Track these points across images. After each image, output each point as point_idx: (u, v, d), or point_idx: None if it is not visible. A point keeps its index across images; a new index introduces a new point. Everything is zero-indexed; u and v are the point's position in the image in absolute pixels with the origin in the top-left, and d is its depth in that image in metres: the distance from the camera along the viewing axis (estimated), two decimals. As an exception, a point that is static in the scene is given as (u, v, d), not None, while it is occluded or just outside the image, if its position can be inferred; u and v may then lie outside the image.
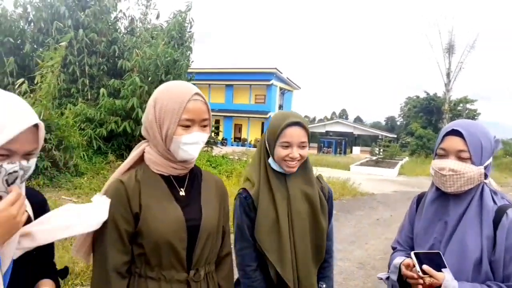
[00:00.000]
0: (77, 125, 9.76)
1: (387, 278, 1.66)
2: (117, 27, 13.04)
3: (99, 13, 11.60)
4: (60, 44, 9.16)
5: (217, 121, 36.80)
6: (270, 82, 34.82)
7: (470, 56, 35.74)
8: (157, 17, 13.53)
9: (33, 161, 1.10)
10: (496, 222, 1.41)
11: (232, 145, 34.44)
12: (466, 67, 36.11)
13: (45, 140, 7.84)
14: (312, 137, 47.08)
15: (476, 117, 44.50)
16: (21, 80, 8.16)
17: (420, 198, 1.71)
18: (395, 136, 43.95)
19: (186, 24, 13.23)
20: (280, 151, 1.68)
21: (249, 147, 31.16)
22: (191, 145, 1.36)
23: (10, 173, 1.03)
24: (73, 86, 11.42)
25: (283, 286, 1.71)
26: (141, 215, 1.33)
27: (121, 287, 1.32)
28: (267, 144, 1.75)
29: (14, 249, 1.07)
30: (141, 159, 1.45)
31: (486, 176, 1.47)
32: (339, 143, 41.94)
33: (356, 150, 41.80)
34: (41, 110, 7.89)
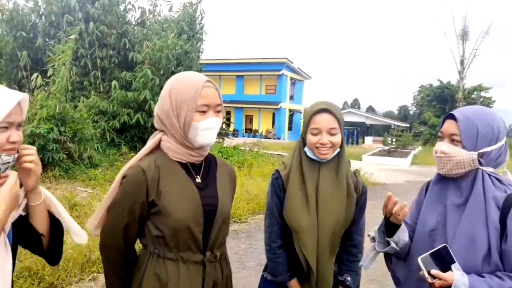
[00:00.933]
0: (91, 117, 9.89)
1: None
2: (127, 19, 13.09)
3: (108, 5, 11.65)
4: (70, 37, 9.27)
5: (228, 113, 36.88)
6: (281, 72, 34.68)
7: (485, 43, 35.05)
8: (170, 9, 13.54)
9: (21, 133, 1.22)
10: (506, 211, 1.38)
11: (243, 136, 34.49)
12: (480, 54, 35.39)
13: (60, 133, 8.01)
14: (324, 127, 47.16)
15: (491, 105, 43.74)
16: (36, 74, 8.28)
17: (428, 185, 1.72)
18: (408, 125, 43.55)
19: (197, 16, 13.25)
20: (311, 138, 1.75)
21: (260, 138, 31.20)
22: (208, 130, 1.42)
23: (4, 163, 1.16)
24: (85, 79, 11.55)
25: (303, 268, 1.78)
26: (160, 201, 1.39)
27: (123, 254, 1.46)
28: (303, 132, 1.83)
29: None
30: (157, 147, 1.50)
31: (481, 163, 1.44)
32: (351, 133, 41.69)
33: (369, 140, 41.52)
34: (55, 104, 8.02)
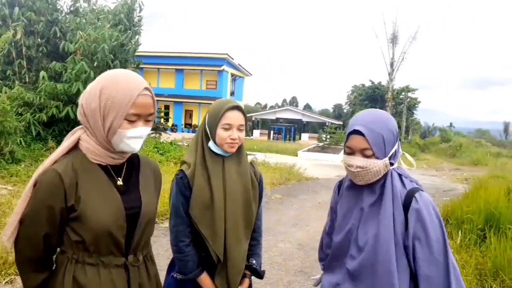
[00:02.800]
0: (14, 109, 9.24)
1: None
2: (58, 7, 12.34)
3: (37, -10, 10.92)
4: (15, 28, 8.62)
5: (166, 107, 36.10)
6: (222, 68, 34.61)
7: (412, 47, 37.59)
8: (106, -1, 12.97)
9: None
10: (406, 207, 1.50)
11: (182, 131, 34.02)
12: (408, 57, 38.00)
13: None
14: (263, 123, 47.92)
15: (416, 105, 47.08)
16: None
17: (340, 184, 1.84)
18: (342, 123, 45.51)
19: (135, 8, 12.83)
20: (221, 133, 1.81)
21: (200, 133, 30.85)
22: (135, 139, 1.37)
23: None
24: (8, 68, 10.75)
25: (213, 260, 1.85)
26: (79, 206, 1.32)
27: (37, 277, 1.39)
28: (207, 128, 1.86)
29: None
30: (75, 146, 1.41)
31: (392, 164, 1.56)
32: (289, 130, 42.79)
33: (305, 136, 42.87)
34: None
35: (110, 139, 1.35)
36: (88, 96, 1.35)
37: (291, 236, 5.92)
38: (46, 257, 1.40)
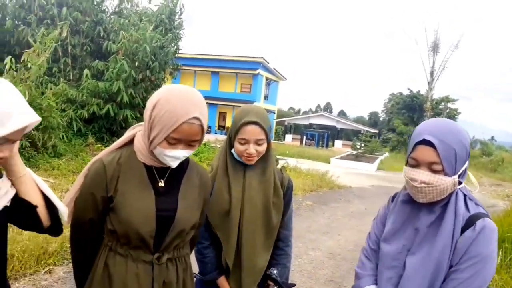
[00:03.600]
0: (58, 105, 9.63)
1: None
2: (103, 7, 12.80)
3: (84, -9, 11.37)
4: (55, 31, 9.06)
5: (201, 108, 36.61)
6: (257, 72, 34.74)
7: (454, 56, 36.43)
8: (150, 1, 13.33)
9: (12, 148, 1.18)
10: (463, 231, 1.37)
11: (216, 133, 34.37)
12: (449, 67, 36.72)
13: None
14: (296, 128, 47.64)
15: (456, 116, 45.44)
16: (9, 57, 8.04)
17: (394, 197, 1.67)
18: (377, 131, 44.59)
19: (176, 11, 13.12)
20: (238, 146, 1.78)
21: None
22: (172, 159, 1.38)
23: None
24: (54, 66, 11.22)
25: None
26: (115, 199, 1.39)
27: (89, 247, 1.49)
28: (230, 136, 1.85)
29: None
30: (131, 141, 1.47)
31: (460, 182, 1.41)
32: (322, 136, 42.32)
33: (338, 143, 42.27)
34: (25, 91, 7.77)
35: (152, 149, 1.39)
36: (149, 102, 1.40)
37: (321, 245, 5.81)
38: (90, 239, 1.49)
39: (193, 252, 1.87)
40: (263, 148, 1.80)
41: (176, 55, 13.45)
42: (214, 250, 1.87)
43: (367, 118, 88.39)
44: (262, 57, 34.96)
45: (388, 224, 1.60)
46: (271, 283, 1.92)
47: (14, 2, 11.04)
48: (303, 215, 7.59)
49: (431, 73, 35.44)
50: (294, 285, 2.05)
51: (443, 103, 42.18)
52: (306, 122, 46.25)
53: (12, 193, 1.23)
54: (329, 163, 21.52)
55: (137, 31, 11.11)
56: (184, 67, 31.06)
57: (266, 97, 38.37)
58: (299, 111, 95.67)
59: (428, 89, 36.31)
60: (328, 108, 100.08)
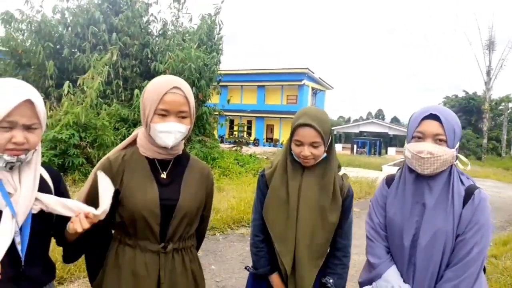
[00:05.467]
0: (112, 125, 10.24)
1: None
2: (149, 31, 13.52)
3: (131, 17, 12.09)
4: (106, 56, 9.78)
5: (249, 122, 37.15)
6: (302, 82, 34.74)
7: (512, 53, 34.13)
8: (190, 20, 13.90)
9: (37, 135, 1.28)
10: (465, 201, 1.51)
11: (264, 146, 34.62)
12: (507, 64, 34.48)
13: (81, 138, 8.34)
14: (346, 137, 46.76)
15: (520, 116, 42.36)
16: (67, 83, 8.76)
17: (388, 180, 1.77)
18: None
19: (215, 27, 13.54)
20: (294, 147, 1.79)
21: (281, 147, 31.18)
22: (165, 133, 1.49)
23: (8, 163, 1.23)
24: (108, 88, 11.97)
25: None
26: (121, 190, 1.51)
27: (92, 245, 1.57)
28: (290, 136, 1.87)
29: (29, 207, 1.28)
30: (135, 141, 1.64)
31: (456, 157, 1.57)
32: (374, 144, 41.18)
33: (392, 150, 40.86)
34: (82, 112, 8.37)
35: (149, 133, 1.52)
36: (140, 98, 1.60)
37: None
38: (100, 234, 1.57)
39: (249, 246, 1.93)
40: (319, 151, 1.77)
41: (220, 70, 13.82)
42: (269, 245, 1.86)
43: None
44: (307, 68, 34.94)
45: (393, 207, 1.66)
46: None
47: (70, 31, 11.99)
48: (350, 221, 7.42)
49: (488, 73, 33.44)
50: None
51: (503, 104, 39.55)
52: (356, 130, 45.29)
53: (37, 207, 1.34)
54: (381, 170, 20.86)
55: (182, 51, 11.59)
56: (231, 83, 31.93)
57: (313, 107, 38.15)
58: (349, 119, 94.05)
59: (485, 89, 34.24)
60: (379, 115, 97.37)
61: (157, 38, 13.23)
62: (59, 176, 1.52)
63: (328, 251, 1.89)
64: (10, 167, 1.24)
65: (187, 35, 13.13)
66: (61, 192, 1.46)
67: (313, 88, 37.65)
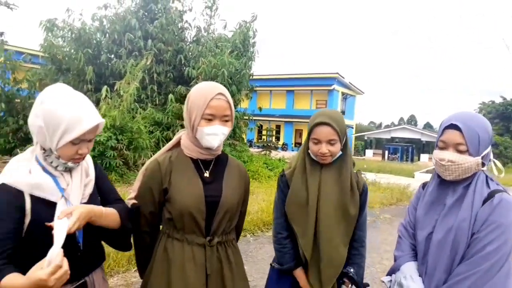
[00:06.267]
0: (147, 128, 10.59)
1: (390, 281, 1.80)
2: (183, 37, 13.87)
3: (166, 24, 12.45)
4: (146, 56, 10.17)
5: (278, 126, 37.22)
6: (332, 87, 34.55)
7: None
8: (225, 27, 14.18)
9: (92, 143, 1.48)
10: (484, 202, 1.55)
11: (292, 150, 34.58)
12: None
13: (118, 141, 8.68)
14: (378, 143, 45.96)
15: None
16: (105, 87, 9.17)
17: (425, 184, 1.86)
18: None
19: (250, 35, 13.75)
20: (312, 146, 1.91)
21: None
22: (211, 136, 1.63)
23: (69, 168, 1.44)
24: (142, 92, 12.37)
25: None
26: (170, 189, 1.65)
27: (148, 239, 1.75)
28: (308, 137, 1.98)
29: (80, 197, 1.47)
30: (178, 144, 1.78)
31: (483, 164, 1.59)
32: (406, 150, 40.29)
33: (424, 157, 39.80)
34: (118, 115, 8.73)
35: (195, 135, 1.66)
36: (185, 104, 1.73)
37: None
38: (151, 228, 1.75)
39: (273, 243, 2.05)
40: (336, 148, 1.88)
41: (251, 77, 14.00)
42: (292, 241, 1.97)
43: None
44: (337, 73, 34.72)
45: (420, 207, 1.76)
46: (347, 281, 1.97)
47: (107, 38, 12.49)
48: (380, 228, 7.36)
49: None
50: (368, 285, 2.09)
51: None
52: (388, 136, 44.46)
53: (91, 185, 1.53)
54: (413, 177, 20.44)
55: (214, 57, 11.84)
56: (260, 88, 32.04)
57: (343, 112, 37.77)
58: (380, 125, 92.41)
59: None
60: (412, 120, 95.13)
61: (190, 45, 13.54)
62: (93, 161, 1.68)
63: (349, 241, 1.97)
64: (68, 170, 1.45)
65: (220, 41, 13.37)
66: (97, 175, 1.61)
67: (343, 93, 37.34)
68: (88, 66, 11.13)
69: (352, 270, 1.96)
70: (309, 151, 1.95)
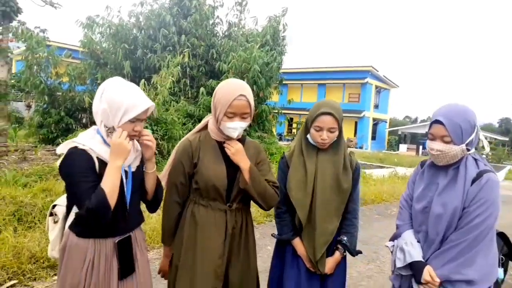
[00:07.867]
0: (179, 120, 11.03)
1: (392, 246, 2.09)
2: (215, 32, 14.23)
3: (199, 20, 12.82)
4: (184, 53, 10.66)
5: (309, 120, 37.07)
6: (365, 81, 34.08)
7: None
8: (256, 23, 14.43)
9: (143, 124, 1.82)
10: (474, 182, 1.82)
11: (323, 144, 34.32)
12: None
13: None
14: (413, 138, 44.84)
15: None
16: (143, 81, 9.69)
17: (423, 163, 2.14)
18: (508, 139, 39.64)
19: (280, 29, 13.92)
20: (314, 133, 2.19)
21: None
22: (231, 129, 1.95)
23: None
24: (176, 86, 12.83)
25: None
26: (198, 163, 2.00)
27: (177, 208, 2.06)
28: (307, 124, 2.26)
29: (132, 164, 1.84)
30: (206, 127, 2.12)
31: (468, 150, 1.85)
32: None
33: (461, 152, 38.53)
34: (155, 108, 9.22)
35: (219, 126, 1.98)
36: (212, 97, 2.02)
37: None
38: (181, 199, 2.06)
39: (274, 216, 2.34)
40: (334, 135, 2.18)
41: (281, 70, 14.17)
42: (291, 215, 2.27)
43: (497, 125, 78.96)
44: (371, 65, 34.17)
45: (418, 183, 2.05)
46: (340, 247, 2.25)
47: (143, 34, 13.01)
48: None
49: None
50: (361, 252, 2.36)
51: None
52: (423, 131, 43.31)
53: (137, 162, 1.86)
54: (446, 172, 19.93)
55: (245, 51, 12.11)
56: (291, 81, 32.07)
57: (376, 106, 37.24)
58: (416, 119, 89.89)
59: None
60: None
61: (222, 40, 13.87)
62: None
63: (342, 214, 2.23)
64: None
65: (250, 36, 13.61)
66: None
67: (376, 87, 36.74)
68: (125, 61, 11.69)
69: (345, 238, 2.24)
70: (307, 136, 2.24)
